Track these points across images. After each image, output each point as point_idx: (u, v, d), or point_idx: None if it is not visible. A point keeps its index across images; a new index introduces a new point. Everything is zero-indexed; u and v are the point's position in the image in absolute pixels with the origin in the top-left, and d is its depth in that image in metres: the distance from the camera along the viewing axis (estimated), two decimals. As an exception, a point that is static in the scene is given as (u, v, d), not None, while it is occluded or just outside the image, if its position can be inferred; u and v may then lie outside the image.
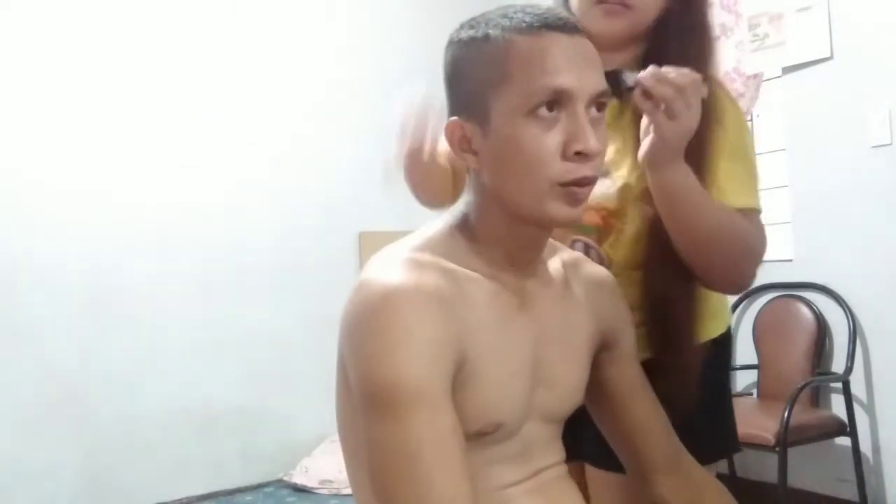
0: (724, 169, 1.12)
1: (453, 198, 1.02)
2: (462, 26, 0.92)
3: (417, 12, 3.61)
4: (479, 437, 0.87)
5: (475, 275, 0.89)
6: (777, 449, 2.50)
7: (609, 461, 1.13)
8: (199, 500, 3.01)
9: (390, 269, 0.84)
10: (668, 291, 1.14)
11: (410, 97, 1.25)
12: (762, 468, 2.81)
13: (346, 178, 3.44)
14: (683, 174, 1.04)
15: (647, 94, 0.98)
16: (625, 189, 1.16)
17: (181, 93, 3.12)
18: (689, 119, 0.98)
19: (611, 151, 1.12)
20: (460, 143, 0.90)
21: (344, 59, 3.48)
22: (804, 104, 2.91)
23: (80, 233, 2.90)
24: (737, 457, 2.81)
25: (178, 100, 3.11)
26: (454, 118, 0.90)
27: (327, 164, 3.42)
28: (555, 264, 1.02)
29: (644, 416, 1.07)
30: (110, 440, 2.90)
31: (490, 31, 0.87)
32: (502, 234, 0.91)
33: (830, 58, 2.84)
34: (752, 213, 1.14)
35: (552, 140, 0.84)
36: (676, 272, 1.12)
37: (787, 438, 2.49)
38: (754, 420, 2.58)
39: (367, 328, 0.81)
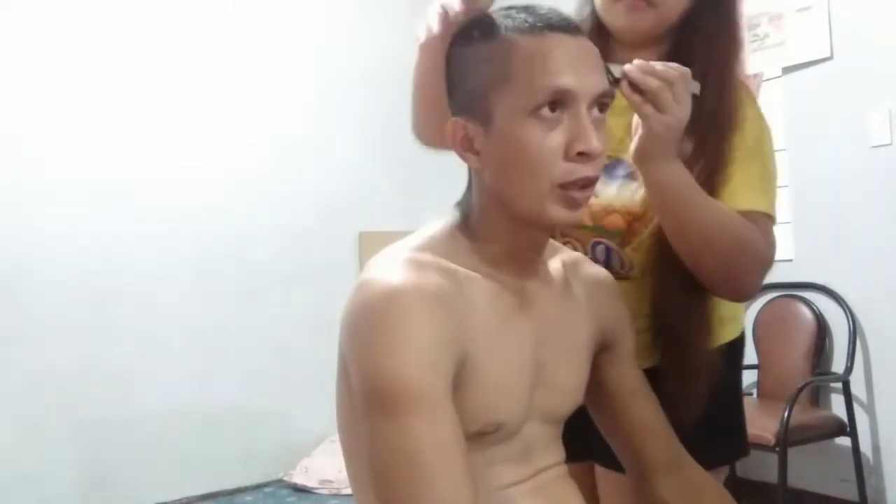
0: (738, 171, 1.10)
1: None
2: (464, 26, 0.92)
3: (423, 13, 3.61)
4: (479, 437, 0.87)
5: (476, 275, 0.89)
6: (777, 449, 2.49)
7: (618, 461, 1.12)
8: (199, 500, 3.02)
9: (391, 268, 0.84)
10: (675, 297, 1.12)
11: None
12: (762, 468, 2.81)
13: (346, 178, 3.45)
14: (675, 170, 1.02)
15: (635, 87, 0.97)
16: None
17: (181, 93, 3.13)
18: (679, 112, 0.97)
19: None
20: (462, 142, 0.89)
21: (345, 60, 3.48)
22: (804, 104, 2.91)
23: (80, 233, 2.90)
24: (737, 457, 2.80)
25: (177, 100, 3.11)
26: (456, 118, 0.90)
27: (327, 165, 3.42)
28: (555, 265, 1.02)
29: (644, 416, 1.07)
30: (110, 440, 2.90)
31: (492, 32, 0.87)
32: (503, 234, 0.91)
33: (830, 58, 2.83)
34: (760, 217, 1.10)
35: (554, 140, 0.84)
36: (685, 278, 1.09)
37: (787, 438, 2.49)
38: (754, 420, 2.54)
39: (369, 328, 0.81)
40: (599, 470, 1.24)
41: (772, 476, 2.59)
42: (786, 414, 2.50)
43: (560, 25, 0.86)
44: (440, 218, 0.96)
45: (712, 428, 1.12)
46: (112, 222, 2.96)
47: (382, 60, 3.45)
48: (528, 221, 0.89)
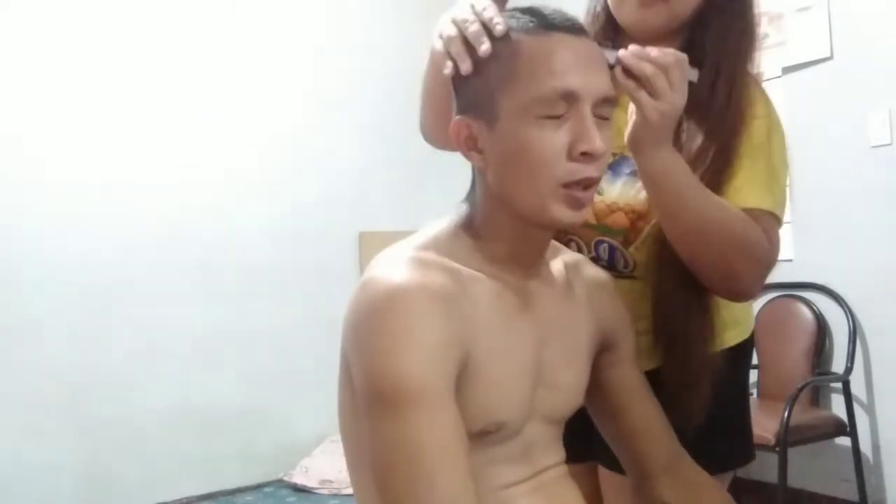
0: (744, 168, 1.07)
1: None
2: None
3: (423, 13, 3.60)
4: (480, 436, 0.87)
5: (479, 274, 0.90)
6: (777, 449, 2.49)
7: (619, 463, 1.11)
8: (199, 500, 3.02)
9: (395, 267, 0.84)
10: (676, 297, 1.09)
11: None
12: (762, 468, 2.81)
13: (346, 178, 3.45)
14: (670, 158, 0.99)
15: (629, 73, 0.95)
16: None
17: (181, 93, 3.13)
18: (674, 99, 0.95)
19: None
20: (466, 141, 0.90)
21: (345, 60, 3.48)
22: (804, 104, 2.91)
23: (80, 233, 2.90)
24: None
25: (177, 100, 3.11)
26: (460, 117, 0.90)
27: (327, 165, 3.42)
28: (557, 265, 1.02)
29: (644, 417, 1.06)
30: (110, 440, 2.90)
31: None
32: (506, 233, 0.91)
33: (830, 58, 2.83)
34: (763, 215, 1.07)
35: (558, 140, 0.85)
36: (685, 277, 1.07)
37: (787, 438, 2.49)
38: (754, 420, 2.56)
39: (372, 327, 0.81)
40: (603, 472, 1.22)
41: (772, 476, 2.59)
42: (786, 414, 2.50)
43: (565, 26, 0.86)
44: (440, 218, 0.96)
45: (717, 432, 1.10)
46: (112, 222, 2.96)
47: (382, 60, 3.46)
48: (531, 221, 0.90)
